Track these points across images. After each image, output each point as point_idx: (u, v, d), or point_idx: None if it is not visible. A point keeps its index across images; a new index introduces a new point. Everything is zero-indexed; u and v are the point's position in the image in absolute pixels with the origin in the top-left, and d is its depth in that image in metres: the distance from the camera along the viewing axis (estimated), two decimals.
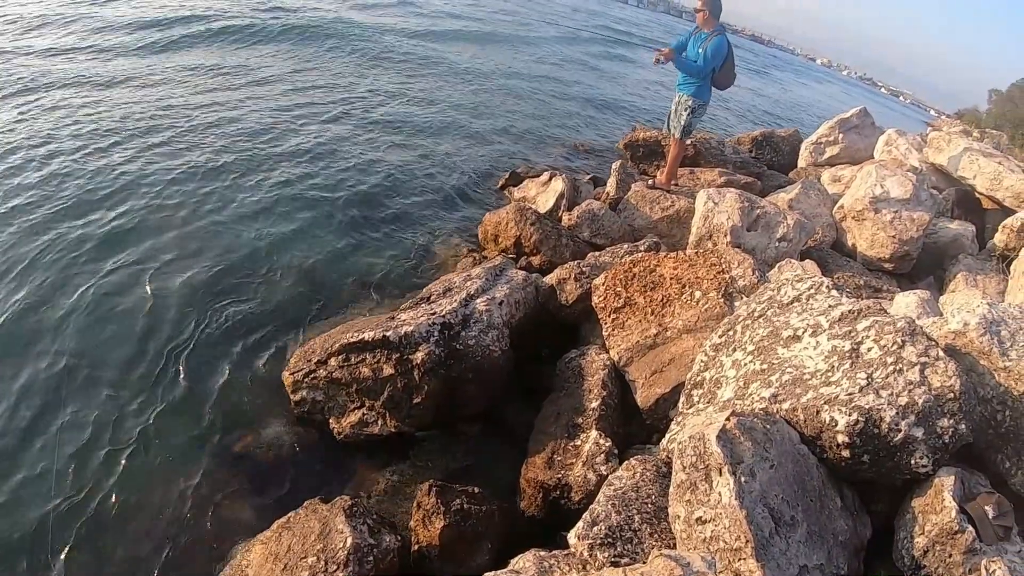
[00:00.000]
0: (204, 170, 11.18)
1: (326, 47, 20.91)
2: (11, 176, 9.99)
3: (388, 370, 6.43)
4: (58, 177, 10.17)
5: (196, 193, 10.43)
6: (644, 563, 3.61)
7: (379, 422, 6.60)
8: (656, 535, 4.63)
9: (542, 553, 4.68)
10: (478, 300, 7.31)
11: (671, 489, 4.38)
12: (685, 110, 11.32)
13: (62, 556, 5.29)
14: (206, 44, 17.72)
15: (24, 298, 7.69)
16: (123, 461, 6.00)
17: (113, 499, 5.73)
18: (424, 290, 8.13)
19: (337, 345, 6.68)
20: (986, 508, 4.33)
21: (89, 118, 12.29)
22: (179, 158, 11.35)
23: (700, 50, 10.79)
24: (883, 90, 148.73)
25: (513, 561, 4.69)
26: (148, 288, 8.17)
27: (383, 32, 24.68)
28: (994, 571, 3.93)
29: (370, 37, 23.20)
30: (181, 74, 16.08)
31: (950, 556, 4.17)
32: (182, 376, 7.11)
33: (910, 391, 4.38)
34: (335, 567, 4.79)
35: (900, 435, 4.30)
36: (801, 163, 16.37)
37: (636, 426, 6.78)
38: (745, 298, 6.76)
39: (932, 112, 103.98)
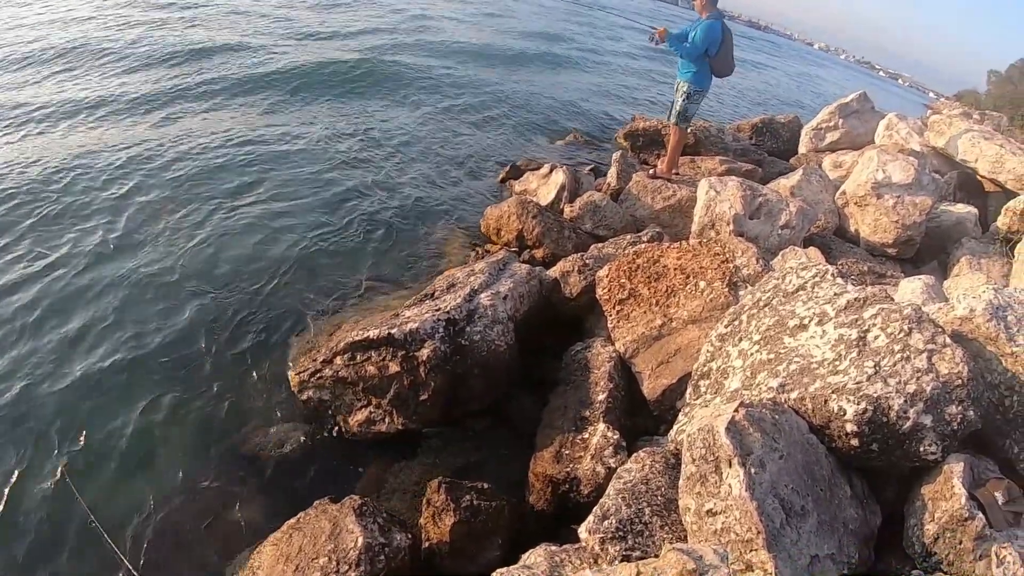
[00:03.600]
0: (204, 173, 11.27)
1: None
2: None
3: (394, 368, 6.44)
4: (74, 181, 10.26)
5: (198, 197, 10.50)
6: (656, 556, 3.61)
7: (386, 420, 6.61)
8: (667, 527, 4.63)
9: (553, 548, 4.69)
10: (482, 295, 7.31)
11: (681, 482, 4.37)
12: (681, 96, 11.38)
13: (70, 556, 5.33)
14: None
15: (39, 303, 7.77)
16: (131, 463, 6.04)
17: (121, 501, 5.76)
18: (428, 286, 8.13)
19: (342, 344, 6.70)
20: (996, 494, 4.32)
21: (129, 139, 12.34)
22: (182, 165, 11.41)
23: (691, 34, 10.83)
24: (881, 73, 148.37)
25: (524, 556, 4.70)
26: (154, 291, 8.23)
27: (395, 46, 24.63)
28: (1004, 557, 3.92)
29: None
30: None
31: (960, 543, 4.16)
32: (189, 378, 7.15)
33: (918, 378, 4.37)
34: (347, 567, 4.81)
35: (909, 423, 4.29)
36: (802, 149, 16.33)
37: (643, 417, 6.77)
38: (750, 287, 6.75)
39: (931, 94, 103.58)
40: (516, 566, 4.55)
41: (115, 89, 14.90)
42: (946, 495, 4.31)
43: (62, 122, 12.88)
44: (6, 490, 5.73)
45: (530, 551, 4.73)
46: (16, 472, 5.87)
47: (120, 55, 17.27)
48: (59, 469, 5.92)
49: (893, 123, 15.06)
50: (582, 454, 5.97)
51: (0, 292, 7.83)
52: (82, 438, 6.27)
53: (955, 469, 4.35)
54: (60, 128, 12.57)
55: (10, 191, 9.89)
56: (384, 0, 32.44)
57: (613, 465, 5.62)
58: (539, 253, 9.93)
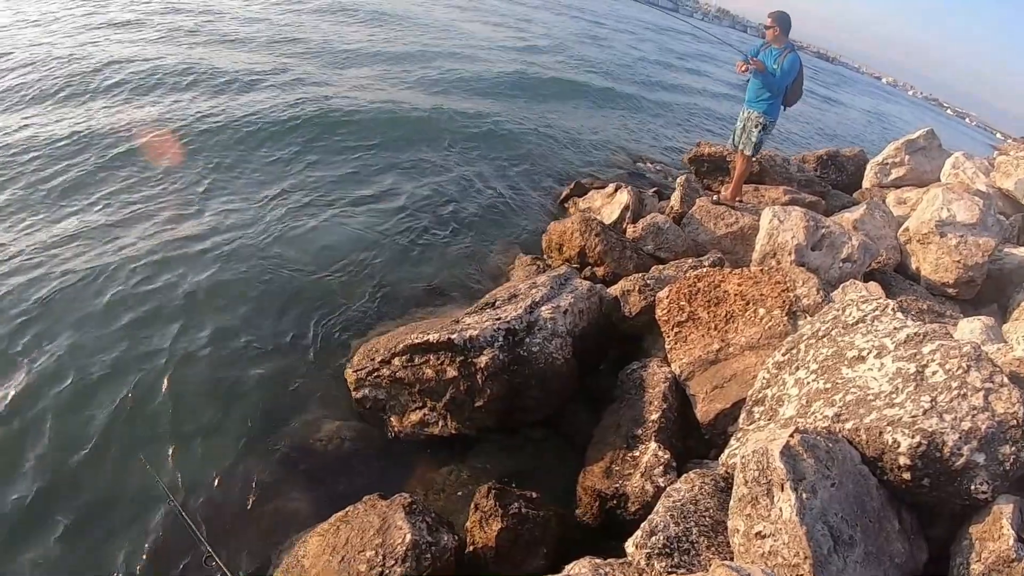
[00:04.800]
0: (276, 180, 11.47)
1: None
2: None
3: (451, 372, 6.51)
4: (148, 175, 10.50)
5: (270, 203, 10.70)
6: (704, 573, 3.65)
7: (440, 423, 6.69)
8: (713, 548, 4.65)
9: (597, 561, 4.72)
10: (543, 308, 7.35)
11: (731, 503, 4.41)
12: (755, 127, 11.29)
13: (127, 535, 5.48)
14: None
15: (118, 288, 8.02)
16: (186, 449, 6.16)
17: (178, 484, 5.89)
18: (489, 295, 8.19)
19: (401, 345, 6.78)
20: None
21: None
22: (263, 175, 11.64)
23: (775, 64, 10.76)
24: (949, 111, 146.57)
25: (568, 567, 4.73)
26: (227, 279, 8.51)
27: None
28: None
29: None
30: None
31: None
32: (246, 369, 7.30)
33: (973, 416, 4.37)
34: (393, 562, 4.87)
35: (961, 460, 4.29)
36: (866, 184, 16.16)
37: (694, 440, 6.79)
38: (809, 317, 6.76)
39: (999, 135, 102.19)
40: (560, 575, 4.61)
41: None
42: (994, 535, 4.30)
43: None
44: (94, 463, 6.00)
45: (574, 562, 4.76)
46: (92, 445, 6.10)
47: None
48: (116, 454, 6.10)
49: (960, 162, 14.91)
50: (632, 471, 6.00)
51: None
52: (138, 423, 6.44)
53: (1005, 510, 4.34)
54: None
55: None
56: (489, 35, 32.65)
57: (662, 484, 5.65)
58: (600, 271, 9.97)
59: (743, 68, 10.93)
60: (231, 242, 9.29)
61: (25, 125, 11.62)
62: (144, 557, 5.36)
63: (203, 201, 10.27)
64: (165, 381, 6.91)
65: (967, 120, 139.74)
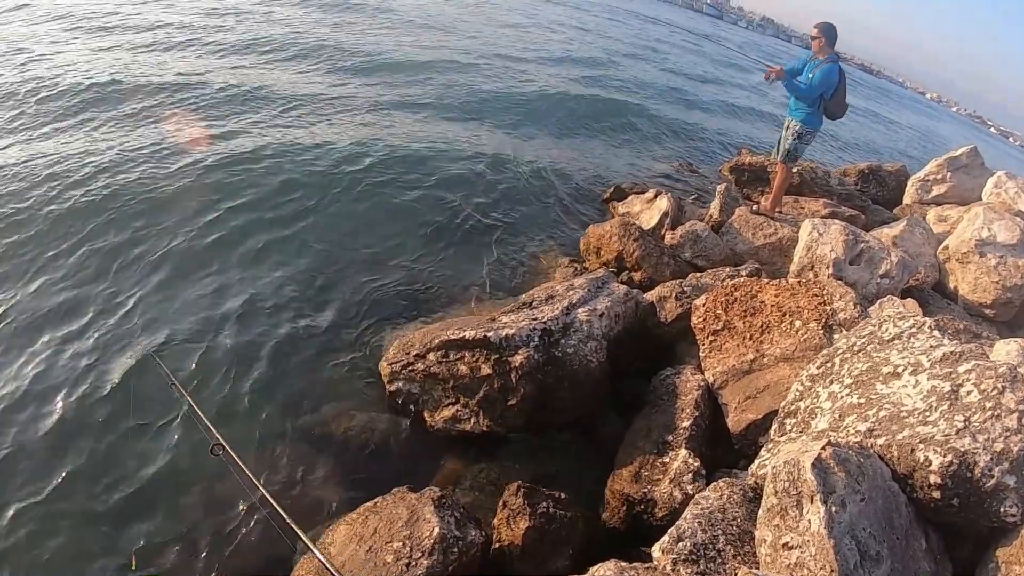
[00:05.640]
0: (320, 176, 11.60)
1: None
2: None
3: (486, 370, 6.55)
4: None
5: (314, 195, 10.85)
6: None
7: (472, 419, 6.72)
8: (739, 557, 4.66)
9: (623, 564, 4.72)
10: (579, 310, 7.36)
11: (760, 513, 4.41)
12: (792, 135, 11.35)
13: (155, 522, 5.59)
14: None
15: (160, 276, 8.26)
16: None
17: (211, 471, 5.96)
18: (525, 295, 8.25)
19: (437, 341, 6.83)
20: None
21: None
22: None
23: (810, 75, 10.80)
24: (992, 129, 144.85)
25: (593, 569, 4.72)
26: (265, 274, 8.62)
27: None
28: None
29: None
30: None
31: None
32: (283, 355, 7.44)
33: (1006, 438, 4.35)
34: (420, 554, 4.92)
35: (992, 481, 4.28)
36: (907, 200, 16.06)
37: (724, 450, 6.78)
38: (845, 331, 6.75)
39: None
40: None
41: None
42: (1021, 559, 4.29)
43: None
44: (159, 454, 6.18)
45: (599, 564, 4.75)
46: (105, 447, 6.20)
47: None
48: (156, 441, 6.23)
49: (1002, 181, 14.76)
50: (661, 477, 6.01)
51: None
52: (175, 412, 6.56)
53: None
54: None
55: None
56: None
57: (691, 491, 5.65)
58: (637, 276, 10.00)
59: (767, 76, 11.07)
60: (286, 226, 9.52)
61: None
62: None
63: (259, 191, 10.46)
64: (199, 356, 7.12)
65: (1011, 139, 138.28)
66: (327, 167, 11.73)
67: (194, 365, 7.03)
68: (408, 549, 4.96)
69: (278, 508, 5.28)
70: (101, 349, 7.06)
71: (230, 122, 12.92)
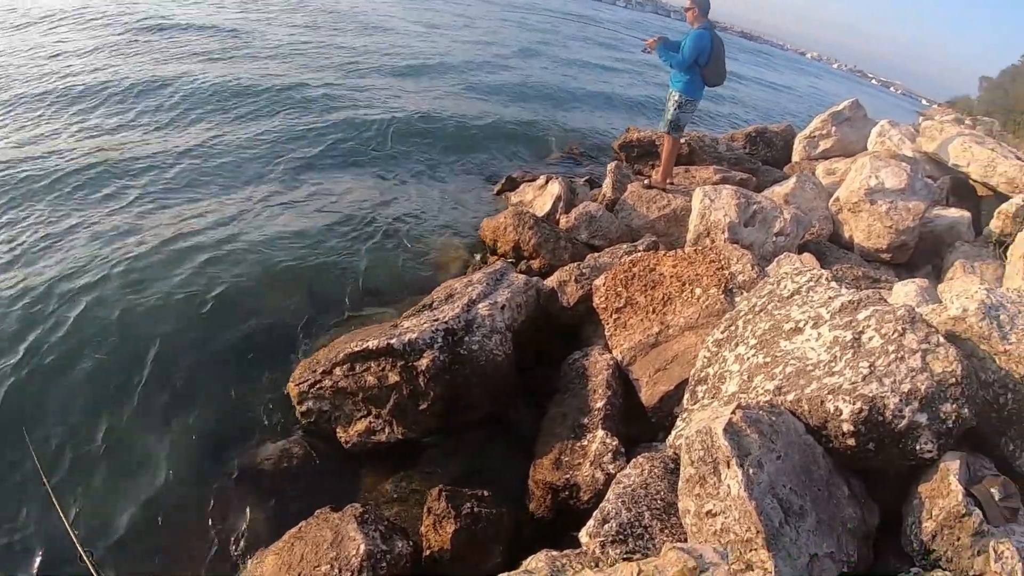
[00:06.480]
0: (196, 179, 11.37)
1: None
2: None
3: (393, 377, 6.46)
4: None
5: (190, 207, 10.58)
6: (657, 556, 3.64)
7: (386, 429, 6.63)
8: (667, 530, 4.66)
9: (554, 553, 4.70)
10: (480, 305, 7.31)
11: (680, 484, 4.41)
12: (673, 105, 11.44)
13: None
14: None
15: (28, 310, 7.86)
16: (132, 478, 6.04)
17: (125, 516, 5.79)
18: (426, 297, 8.14)
19: (341, 355, 6.72)
20: (992, 490, 4.36)
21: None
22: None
23: (682, 44, 10.91)
24: (874, 81, 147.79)
25: (525, 562, 4.70)
26: (147, 303, 8.26)
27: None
28: (1003, 552, 3.95)
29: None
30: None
31: (958, 539, 4.19)
32: (187, 392, 7.19)
33: (912, 378, 4.41)
34: (348, 574, 4.84)
35: (904, 422, 4.33)
36: (795, 157, 16.32)
37: (642, 425, 6.78)
38: (745, 293, 6.80)
39: (924, 101, 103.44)
40: (518, 571, 4.58)
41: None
42: (943, 492, 4.34)
43: None
44: None
45: (531, 557, 4.73)
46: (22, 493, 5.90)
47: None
48: (58, 487, 5.94)
49: (885, 130, 15.11)
50: (581, 461, 6.00)
51: None
52: (79, 456, 6.32)
53: (951, 467, 4.38)
54: None
55: None
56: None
57: (612, 471, 5.65)
58: (536, 263, 9.99)
59: (644, 49, 11.47)
60: (154, 259, 9.16)
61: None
62: None
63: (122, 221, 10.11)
64: (104, 414, 6.79)
65: (892, 88, 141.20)
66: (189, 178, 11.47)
67: (94, 416, 6.73)
68: (337, 570, 4.88)
69: None
70: None
71: None
